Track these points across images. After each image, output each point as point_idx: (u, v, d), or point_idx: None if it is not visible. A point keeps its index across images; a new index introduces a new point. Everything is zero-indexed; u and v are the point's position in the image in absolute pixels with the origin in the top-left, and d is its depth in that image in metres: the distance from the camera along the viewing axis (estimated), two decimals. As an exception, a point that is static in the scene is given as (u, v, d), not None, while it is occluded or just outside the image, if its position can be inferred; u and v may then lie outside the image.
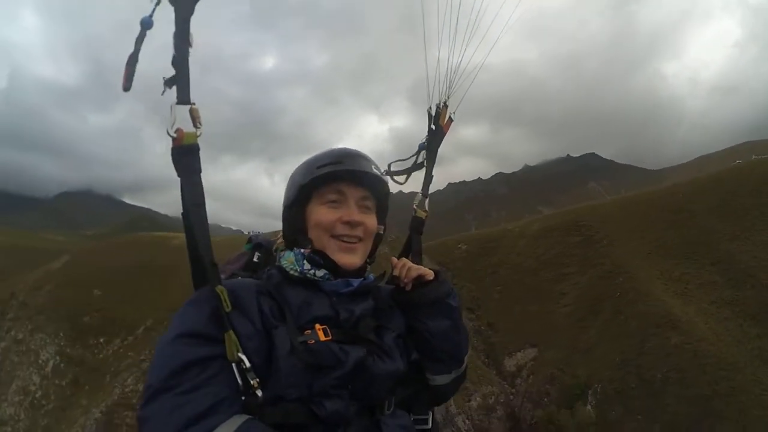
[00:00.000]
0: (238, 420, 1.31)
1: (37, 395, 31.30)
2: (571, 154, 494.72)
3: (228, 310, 1.43)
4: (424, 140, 2.51)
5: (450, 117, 2.52)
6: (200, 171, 1.55)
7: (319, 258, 1.66)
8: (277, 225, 1.88)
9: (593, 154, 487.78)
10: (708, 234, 29.20)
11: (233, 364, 1.39)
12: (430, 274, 1.91)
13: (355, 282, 1.69)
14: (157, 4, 1.50)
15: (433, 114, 2.50)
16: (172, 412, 1.27)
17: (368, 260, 1.82)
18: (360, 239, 1.73)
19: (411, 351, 1.82)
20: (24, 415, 30.77)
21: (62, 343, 33.54)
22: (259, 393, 1.39)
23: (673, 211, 31.83)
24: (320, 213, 1.71)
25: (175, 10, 1.50)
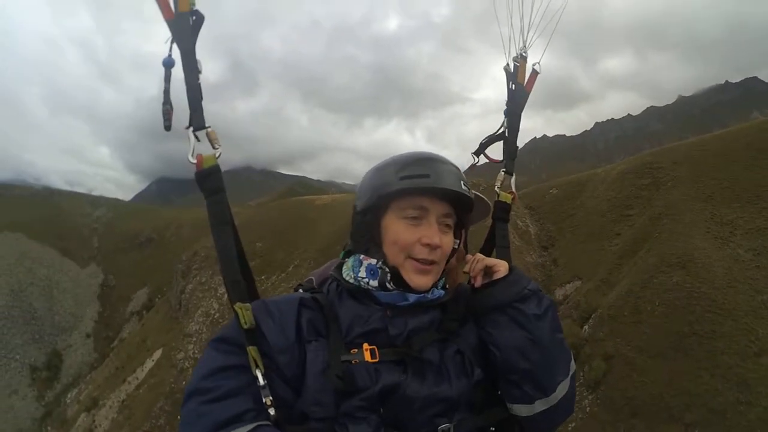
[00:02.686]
0: (252, 425, 1.32)
1: (215, 316, 42.87)
2: (730, 80, 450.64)
3: (246, 326, 1.41)
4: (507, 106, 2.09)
5: (534, 69, 2.12)
6: (223, 190, 1.56)
7: (391, 274, 1.54)
8: None
9: (755, 78, 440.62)
10: None
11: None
12: (500, 267, 1.66)
13: (412, 297, 1.54)
14: (172, 43, 1.57)
15: (511, 69, 2.10)
16: (199, 416, 1.32)
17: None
18: (436, 262, 1.56)
19: (473, 369, 1.56)
20: (205, 329, 42.33)
21: (234, 281, 45.73)
22: (272, 411, 1.37)
23: (757, 149, 30.59)
24: (399, 230, 1.55)
25: (178, 46, 1.57)
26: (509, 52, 2.11)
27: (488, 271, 1.68)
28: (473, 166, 2.24)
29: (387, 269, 1.55)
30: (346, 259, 1.68)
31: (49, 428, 60.37)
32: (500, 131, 2.11)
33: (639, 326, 23.20)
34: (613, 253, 30.02)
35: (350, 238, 1.72)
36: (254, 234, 49.03)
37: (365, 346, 1.47)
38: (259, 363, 1.39)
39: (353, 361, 1.44)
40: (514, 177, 2.12)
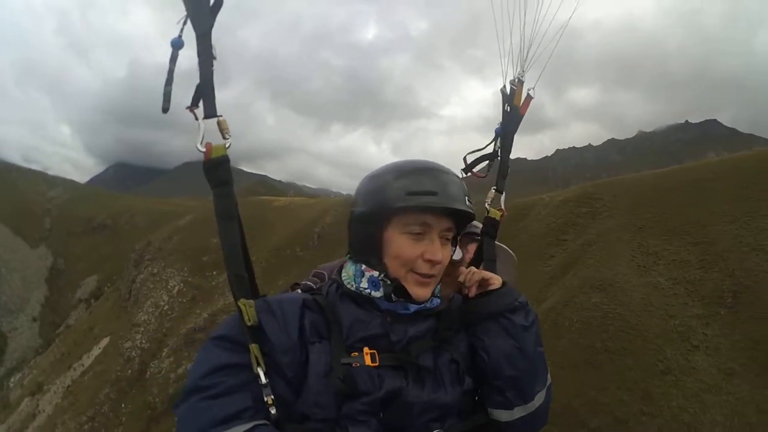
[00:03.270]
0: (250, 424, 1.32)
1: (164, 308, 44.01)
2: (690, 120, 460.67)
3: (249, 323, 1.40)
4: (500, 124, 2.21)
5: (528, 94, 2.21)
6: (231, 183, 1.53)
7: (392, 286, 1.56)
8: None
9: (714, 120, 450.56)
10: (712, 215, 29.14)
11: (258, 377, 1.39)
12: (494, 280, 1.75)
13: (413, 307, 1.59)
14: (184, 24, 1.53)
15: (507, 92, 2.20)
16: (198, 413, 1.32)
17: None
18: (435, 275, 1.60)
19: (464, 377, 1.64)
20: (153, 320, 43.61)
21: (186, 275, 46.25)
22: (273, 411, 1.37)
23: (696, 188, 31.83)
24: (402, 245, 1.56)
25: (194, 28, 1.53)
26: (506, 74, 2.18)
27: (483, 283, 1.75)
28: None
29: (389, 282, 1.56)
30: (346, 265, 1.69)
31: None
32: (490, 150, 2.22)
33: (557, 341, 23.92)
34: (545, 274, 31.32)
35: (349, 245, 1.70)
36: (211, 228, 50.06)
37: (366, 350, 1.50)
38: (261, 361, 1.39)
39: (354, 365, 1.46)
40: (504, 195, 2.20)
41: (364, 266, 1.62)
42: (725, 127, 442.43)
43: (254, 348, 1.40)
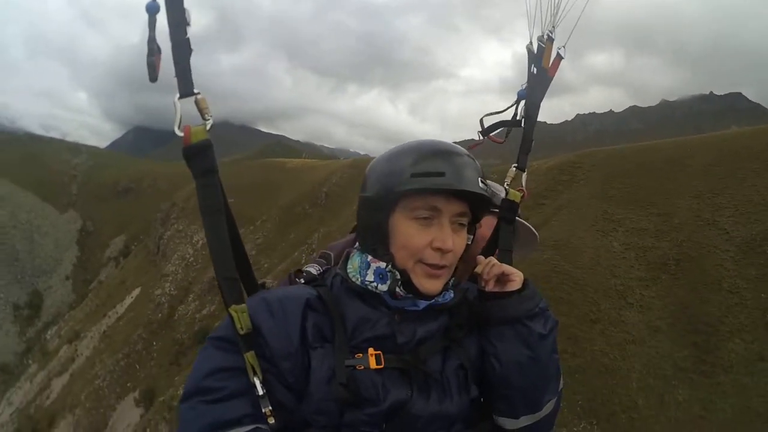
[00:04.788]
0: (251, 427, 1.28)
1: (190, 260, 49.83)
2: (715, 92, 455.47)
3: (242, 332, 1.32)
4: (523, 86, 1.96)
5: (558, 53, 1.94)
6: (216, 170, 1.40)
7: (400, 278, 1.43)
8: None
9: (739, 94, 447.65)
10: (679, 189, 30.66)
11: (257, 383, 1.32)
12: (516, 278, 1.58)
13: (422, 303, 1.46)
14: None
15: (535, 51, 1.94)
16: (198, 416, 1.29)
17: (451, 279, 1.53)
18: (447, 266, 1.45)
19: (471, 385, 1.53)
20: (180, 271, 49.43)
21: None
22: (271, 421, 1.31)
23: (669, 163, 33.15)
24: (409, 232, 1.42)
25: None
26: (533, 31, 1.91)
27: (502, 278, 1.58)
28: (476, 145, 2.03)
29: (397, 274, 1.42)
30: (352, 256, 1.55)
31: (30, 361, 65.62)
32: (513, 116, 1.97)
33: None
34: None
35: (357, 231, 1.58)
36: (228, 188, 55.16)
37: (371, 351, 1.40)
38: (257, 370, 1.31)
39: (358, 367, 1.38)
40: (525, 174, 1.95)
41: (370, 257, 1.47)
42: (750, 101, 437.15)
43: (249, 356, 1.31)
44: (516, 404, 1.55)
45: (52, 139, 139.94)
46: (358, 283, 1.49)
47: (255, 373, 1.32)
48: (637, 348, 23.18)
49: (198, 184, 1.39)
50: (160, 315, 45.38)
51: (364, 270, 1.49)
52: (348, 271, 1.53)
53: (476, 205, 1.52)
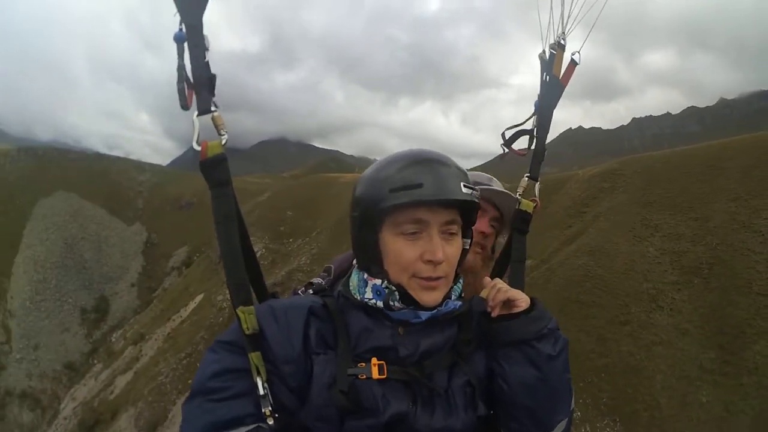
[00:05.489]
0: (252, 426, 1.34)
1: (249, 269, 53.18)
2: None
3: (249, 332, 1.41)
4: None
5: (572, 59, 1.95)
6: (230, 182, 1.52)
7: (399, 293, 1.47)
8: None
9: None
10: (716, 192, 30.44)
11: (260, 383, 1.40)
12: (522, 302, 1.59)
13: (424, 315, 1.47)
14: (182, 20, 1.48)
15: (546, 58, 1.96)
16: (201, 415, 1.34)
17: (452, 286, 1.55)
18: (443, 276, 1.47)
19: (478, 403, 1.54)
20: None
21: (266, 242, 55.78)
22: (270, 422, 1.37)
23: (707, 166, 32.88)
24: (398, 248, 1.46)
25: (183, 19, 1.49)
26: (546, 39, 1.91)
27: (508, 303, 1.59)
28: (503, 156, 2.08)
29: (393, 288, 1.46)
30: (352, 274, 1.61)
31: (95, 361, 70.06)
32: (528, 124, 2.00)
33: (541, 292, 26.26)
34: (558, 240, 34.20)
35: (352, 248, 1.64)
36: (286, 203, 59.21)
37: (374, 360, 1.44)
38: (261, 370, 1.39)
39: (360, 376, 1.42)
40: (538, 184, 1.99)
41: (366, 275, 1.53)
42: None
43: (254, 356, 1.39)
44: (526, 425, 1.53)
45: (118, 158, 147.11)
46: (359, 299, 1.53)
47: (258, 374, 1.40)
48: (663, 350, 23.53)
49: (213, 194, 1.52)
50: (221, 318, 48.30)
51: (362, 288, 1.53)
52: (349, 288, 1.58)
53: (465, 209, 1.52)
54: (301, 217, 56.56)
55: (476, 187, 1.49)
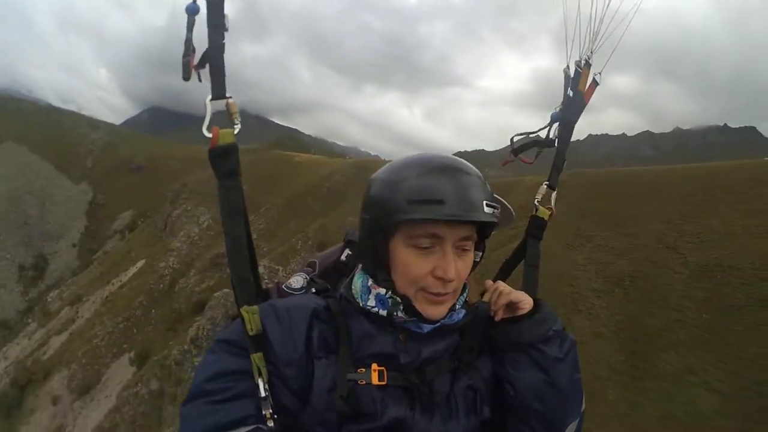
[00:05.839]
0: (252, 427, 1.31)
1: (195, 238, 53.72)
2: (729, 124, 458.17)
3: (252, 333, 1.36)
4: (557, 109, 2.02)
5: (594, 79, 2.02)
6: (239, 174, 1.43)
7: (403, 305, 1.43)
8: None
9: (753, 128, 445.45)
10: (652, 213, 32.33)
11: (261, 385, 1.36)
12: (525, 305, 1.55)
13: (426, 327, 1.45)
14: None
15: (572, 75, 2.00)
16: (201, 416, 1.30)
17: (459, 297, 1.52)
18: (451, 293, 1.43)
19: (482, 407, 1.52)
20: (185, 247, 53.21)
21: (215, 213, 55.48)
22: (271, 423, 1.33)
23: (648, 189, 34.86)
24: (409, 260, 1.40)
25: None
26: (571, 55, 1.96)
27: (511, 305, 1.56)
28: (506, 162, 2.16)
29: (398, 299, 1.43)
30: (355, 276, 1.56)
31: (30, 320, 68.69)
32: (546, 136, 2.04)
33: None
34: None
35: (358, 251, 1.65)
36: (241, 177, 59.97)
37: (374, 366, 1.42)
38: (263, 371, 1.35)
39: (360, 381, 1.40)
40: (555, 193, 2.05)
41: (370, 281, 1.49)
42: (763, 136, 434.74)
43: (256, 357, 1.35)
44: (536, 428, 1.50)
45: (72, 113, 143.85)
46: (361, 305, 1.48)
47: (260, 375, 1.34)
48: (578, 349, 25.10)
49: (221, 185, 1.42)
50: (161, 285, 48.90)
51: (365, 294, 1.48)
52: (351, 291, 1.53)
53: (483, 225, 1.48)
54: (252, 191, 56.70)
55: (497, 205, 1.44)
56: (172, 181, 72.35)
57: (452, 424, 1.46)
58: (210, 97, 1.39)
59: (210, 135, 1.38)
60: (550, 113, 2.03)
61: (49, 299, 73.09)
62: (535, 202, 2.01)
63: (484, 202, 1.38)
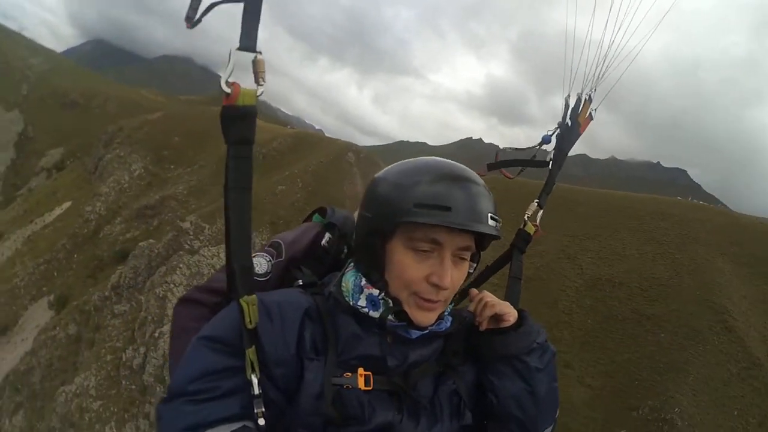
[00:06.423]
0: (239, 424, 1.28)
1: (124, 186, 53.36)
2: (662, 163, 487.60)
3: (251, 327, 1.31)
4: (550, 132, 2.15)
5: (590, 114, 2.15)
6: (253, 142, 1.30)
7: (394, 311, 1.43)
8: (357, 138, 4.70)
9: (684, 171, 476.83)
10: (560, 226, 35.52)
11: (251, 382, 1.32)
12: (510, 317, 1.59)
13: (415, 333, 1.45)
14: None
15: (572, 105, 2.13)
16: (182, 415, 1.26)
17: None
18: (442, 300, 1.45)
19: (465, 412, 1.56)
20: (113, 194, 52.80)
21: (147, 163, 55.66)
22: (261, 422, 1.30)
23: (562, 205, 36.95)
24: (405, 263, 1.41)
25: None
26: (572, 85, 2.05)
27: (496, 317, 1.59)
28: (485, 173, 2.06)
29: (390, 302, 1.44)
30: (346, 274, 1.54)
31: None
32: (532, 157, 2.18)
33: None
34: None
35: (353, 247, 1.63)
36: (176, 128, 59.52)
37: (360, 371, 1.42)
38: (257, 367, 1.31)
39: (346, 386, 1.39)
40: (541, 212, 2.13)
41: (363, 281, 1.48)
42: (692, 180, 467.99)
43: (251, 352, 1.31)
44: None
45: (14, 33, 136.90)
46: (351, 304, 1.47)
47: (253, 371, 1.30)
48: None
49: (231, 152, 1.29)
50: (86, 230, 48.74)
51: (356, 294, 1.47)
52: (342, 289, 1.51)
53: (483, 237, 1.48)
54: (188, 146, 56.58)
55: (500, 219, 1.43)
56: (107, 123, 71.13)
57: (437, 428, 1.48)
58: (237, 46, 1.23)
59: (228, 91, 1.24)
60: (542, 136, 2.17)
61: (-33, 234, 71.86)
62: (525, 218, 2.10)
63: (489, 215, 1.39)
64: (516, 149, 2.24)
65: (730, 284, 30.98)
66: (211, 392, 1.29)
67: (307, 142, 52.29)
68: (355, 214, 1.69)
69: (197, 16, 1.22)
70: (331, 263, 1.81)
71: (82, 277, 44.06)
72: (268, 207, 38.94)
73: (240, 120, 1.27)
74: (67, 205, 56.80)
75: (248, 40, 1.24)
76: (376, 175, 1.54)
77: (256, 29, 1.24)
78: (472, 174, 1.45)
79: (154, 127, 61.75)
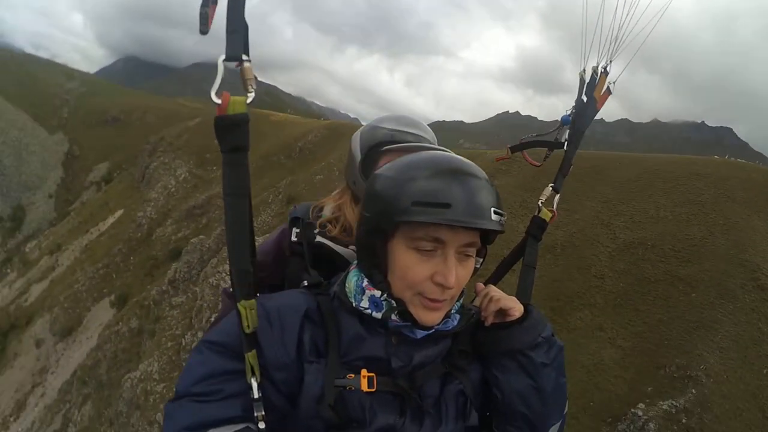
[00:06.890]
0: (242, 425, 1.29)
1: (171, 190, 56.33)
2: (707, 122, 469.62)
3: (248, 331, 1.32)
4: (568, 112, 2.05)
5: (608, 87, 2.04)
6: (247, 149, 1.32)
7: (398, 310, 1.40)
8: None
9: (729, 129, 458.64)
10: (593, 192, 35.22)
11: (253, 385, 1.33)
12: (515, 311, 1.55)
13: (420, 333, 1.42)
14: None
15: (587, 80, 2.02)
16: (187, 414, 1.29)
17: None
18: (448, 299, 1.41)
19: (470, 414, 1.53)
20: (162, 198, 55.82)
21: (191, 166, 58.71)
22: (261, 425, 1.32)
23: (596, 171, 36.41)
24: (407, 263, 1.37)
25: None
26: (587, 59, 1.96)
27: (501, 312, 1.56)
28: (502, 158, 2.17)
29: (393, 303, 1.40)
30: (350, 274, 1.52)
31: (9, 269, 71.14)
32: (554, 139, 2.08)
33: None
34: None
35: (356, 246, 1.54)
36: (211, 132, 61.99)
37: (363, 372, 1.39)
38: (257, 371, 1.33)
39: (348, 388, 1.37)
40: (558, 196, 2.02)
41: (365, 282, 1.45)
42: (738, 138, 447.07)
43: (250, 356, 1.32)
44: (521, 428, 1.54)
45: (48, 61, 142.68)
46: (354, 305, 1.45)
47: (253, 374, 1.32)
48: None
49: (226, 160, 1.32)
50: (139, 234, 51.56)
51: (359, 295, 1.45)
52: (345, 290, 1.49)
53: (488, 231, 1.42)
54: (224, 148, 59.47)
55: (504, 212, 1.39)
56: (148, 134, 74.38)
57: (441, 430, 1.46)
58: (223, 56, 1.21)
59: (219, 101, 1.24)
60: (561, 117, 2.05)
61: (28, 249, 75.30)
62: (539, 203, 1.99)
63: (492, 209, 1.34)
64: (539, 135, 2.18)
65: (764, 242, 30.59)
66: (215, 394, 1.33)
67: (340, 132, 53.38)
68: (325, 206, 1.90)
69: (209, 28, 1.26)
70: (324, 255, 1.88)
71: (139, 277, 46.47)
72: (308, 197, 40.57)
73: (232, 128, 1.29)
74: (119, 213, 60.08)
75: (234, 49, 1.24)
76: (374, 172, 1.50)
77: (241, 39, 1.24)
78: (473, 167, 1.40)
79: (194, 132, 64.87)
